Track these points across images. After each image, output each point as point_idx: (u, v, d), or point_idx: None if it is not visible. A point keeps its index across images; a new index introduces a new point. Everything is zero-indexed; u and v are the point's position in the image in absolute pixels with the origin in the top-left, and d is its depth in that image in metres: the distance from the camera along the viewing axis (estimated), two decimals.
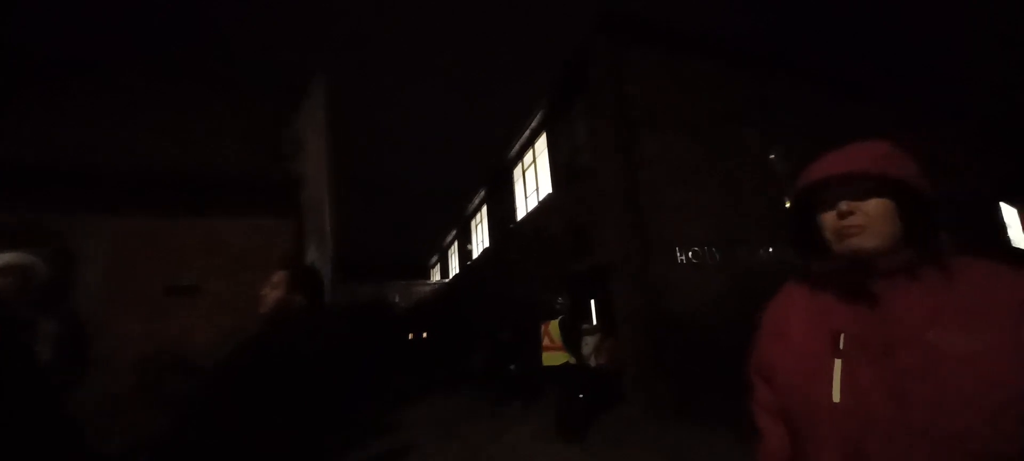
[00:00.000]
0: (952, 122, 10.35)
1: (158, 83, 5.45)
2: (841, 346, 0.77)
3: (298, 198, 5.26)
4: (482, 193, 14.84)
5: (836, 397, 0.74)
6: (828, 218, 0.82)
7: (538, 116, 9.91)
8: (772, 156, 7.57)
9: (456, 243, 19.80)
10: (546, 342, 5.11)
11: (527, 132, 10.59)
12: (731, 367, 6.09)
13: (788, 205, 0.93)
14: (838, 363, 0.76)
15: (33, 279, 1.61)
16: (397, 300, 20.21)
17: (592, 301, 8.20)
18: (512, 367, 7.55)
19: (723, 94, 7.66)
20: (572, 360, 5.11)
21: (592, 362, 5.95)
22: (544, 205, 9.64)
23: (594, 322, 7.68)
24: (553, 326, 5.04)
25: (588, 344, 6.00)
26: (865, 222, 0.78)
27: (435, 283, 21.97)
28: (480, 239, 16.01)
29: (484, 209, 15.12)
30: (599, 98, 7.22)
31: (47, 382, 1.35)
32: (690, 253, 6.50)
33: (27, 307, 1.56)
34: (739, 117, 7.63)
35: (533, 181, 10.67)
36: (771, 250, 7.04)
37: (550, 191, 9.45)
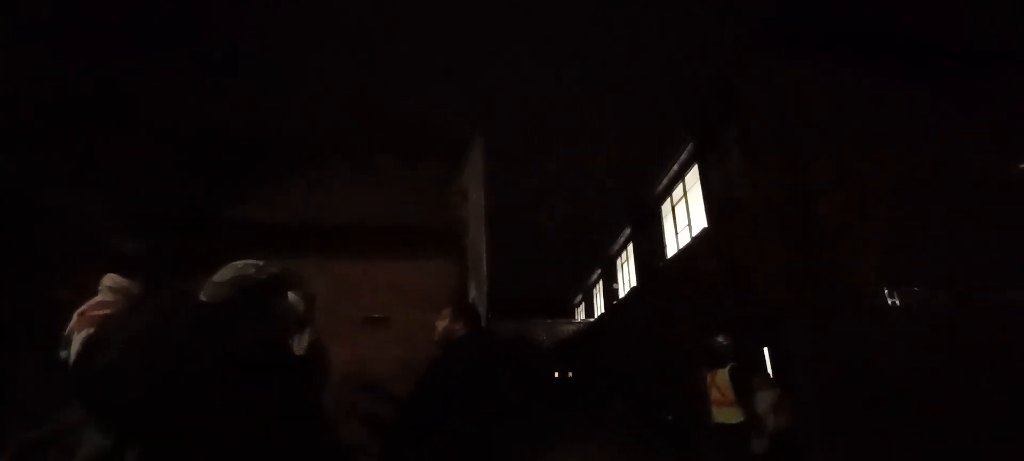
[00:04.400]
0: None
1: (352, 150, 6.83)
2: None
3: (463, 243, 5.90)
4: (627, 231, 14.45)
5: None
6: None
7: (688, 147, 9.39)
8: (1023, 165, 5.74)
9: (601, 282, 19.48)
10: (716, 395, 4.56)
11: (676, 165, 10.08)
12: (962, 438, 4.58)
13: None
14: None
15: (295, 312, 2.15)
16: (542, 338, 20.56)
17: (765, 350, 7.13)
18: (669, 417, 6.94)
19: (924, 98, 6.18)
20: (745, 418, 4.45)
21: (770, 423, 5.08)
22: (698, 241, 8.92)
23: (770, 375, 6.64)
24: (721, 376, 4.49)
25: (764, 400, 5.17)
26: None
27: (580, 322, 21.79)
28: (626, 278, 15.48)
29: (630, 247, 14.66)
30: (754, 121, 6.52)
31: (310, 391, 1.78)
32: (892, 294, 5.20)
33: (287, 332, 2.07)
34: (952, 122, 6.03)
35: (685, 216, 10.00)
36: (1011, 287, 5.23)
37: (705, 226, 8.73)
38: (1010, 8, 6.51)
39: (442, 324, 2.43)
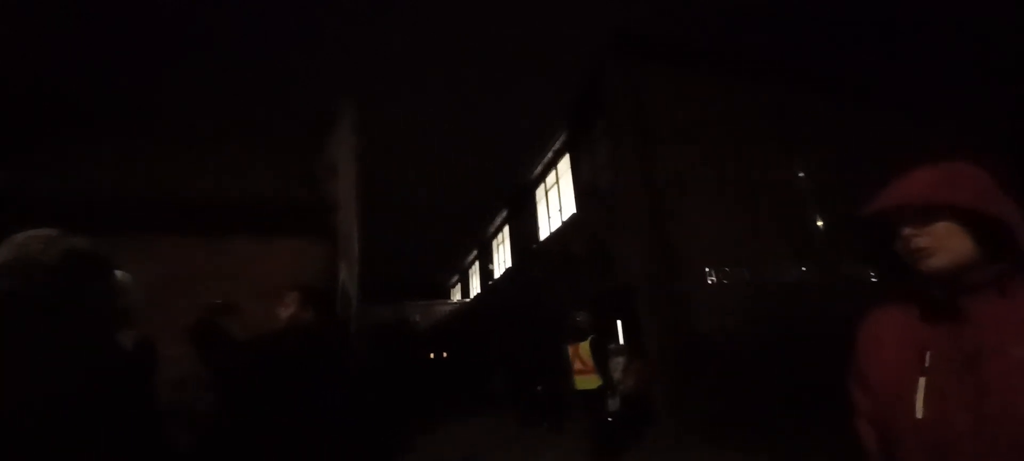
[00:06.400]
0: (975, 122, 9.87)
1: (198, 118, 5.74)
2: (927, 363, 0.79)
3: (333, 221, 5.40)
4: (503, 213, 14.93)
5: (919, 413, 0.77)
6: (901, 243, 0.85)
7: (561, 137, 10.00)
8: (801, 174, 7.46)
9: (477, 263, 19.86)
10: (578, 365, 5.02)
11: (550, 153, 10.68)
12: (763, 389, 5.88)
13: (857, 225, 0.97)
14: (923, 381, 0.78)
15: (124, 297, 1.71)
16: (417, 319, 20.25)
17: (619, 322, 8.09)
18: (539, 388, 7.46)
19: (746, 109, 7.64)
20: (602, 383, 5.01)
21: (621, 385, 5.82)
22: (568, 225, 9.64)
23: (621, 343, 7.55)
24: (584, 348, 4.95)
25: (617, 366, 5.88)
26: (932, 244, 0.80)
27: (456, 303, 21.98)
28: (502, 259, 16.05)
29: (506, 229, 15.19)
30: (617, 118, 7.28)
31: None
32: (718, 272, 6.39)
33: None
34: (764, 132, 7.58)
35: (557, 201, 10.70)
36: (803, 268, 6.89)
37: (574, 211, 9.46)
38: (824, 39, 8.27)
39: (288, 312, 2.17)
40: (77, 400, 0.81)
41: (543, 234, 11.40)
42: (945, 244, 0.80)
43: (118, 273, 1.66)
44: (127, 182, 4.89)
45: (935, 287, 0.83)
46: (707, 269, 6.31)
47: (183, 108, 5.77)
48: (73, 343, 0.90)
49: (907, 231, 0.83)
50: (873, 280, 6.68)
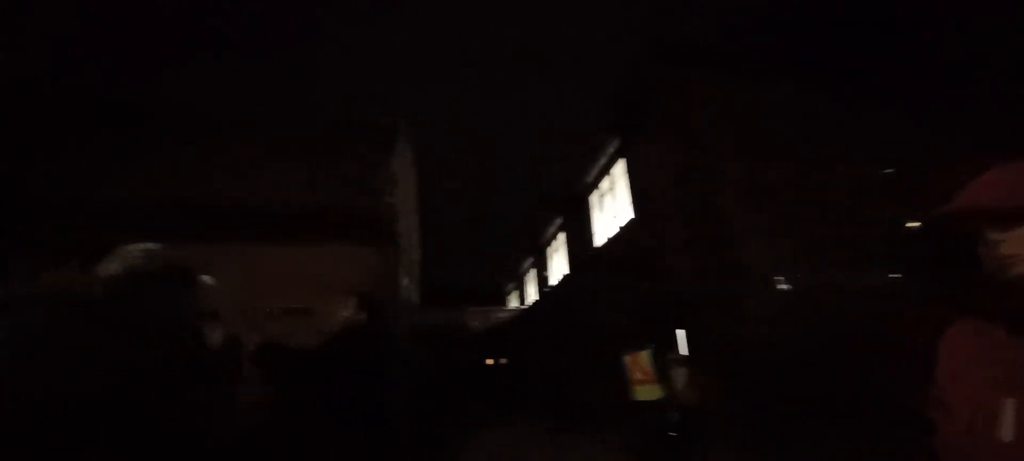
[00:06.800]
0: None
1: (271, 133, 6.32)
2: (1015, 383, 0.73)
3: (394, 230, 5.70)
4: (558, 221, 14.88)
5: (1008, 436, 0.71)
6: (984, 250, 0.78)
7: (615, 141, 9.83)
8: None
9: (533, 270, 19.91)
10: (638, 375, 4.86)
11: (604, 158, 10.52)
12: (826, 402, 5.45)
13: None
14: (1011, 402, 0.72)
15: (209, 300, 1.94)
16: (475, 325, 20.61)
17: (679, 331, 7.75)
18: (591, 396, 7.32)
19: (801, 113, 7.23)
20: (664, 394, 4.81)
21: (683, 397, 5.56)
22: (623, 231, 9.42)
23: (682, 354, 7.23)
24: (644, 357, 4.78)
25: (680, 376, 5.63)
26: (1017, 251, 0.73)
27: (512, 309, 22.15)
28: (557, 266, 15.97)
29: (561, 236, 15.12)
30: (665, 123, 7.10)
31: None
32: (777, 279, 6.00)
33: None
34: (822, 136, 7.08)
35: (612, 207, 10.50)
36: (862, 275, 6.29)
37: (631, 217, 9.23)
38: (873, 43, 7.69)
39: (346, 315, 2.41)
40: (166, 390, 0.93)
41: (599, 241, 11.21)
42: None
43: (204, 277, 1.89)
44: (209, 192, 5.47)
45: (1019, 298, 0.75)
46: (766, 276, 5.95)
47: (257, 123, 6.35)
48: (165, 341, 1.04)
49: (993, 237, 0.76)
50: (944, 290, 5.95)
